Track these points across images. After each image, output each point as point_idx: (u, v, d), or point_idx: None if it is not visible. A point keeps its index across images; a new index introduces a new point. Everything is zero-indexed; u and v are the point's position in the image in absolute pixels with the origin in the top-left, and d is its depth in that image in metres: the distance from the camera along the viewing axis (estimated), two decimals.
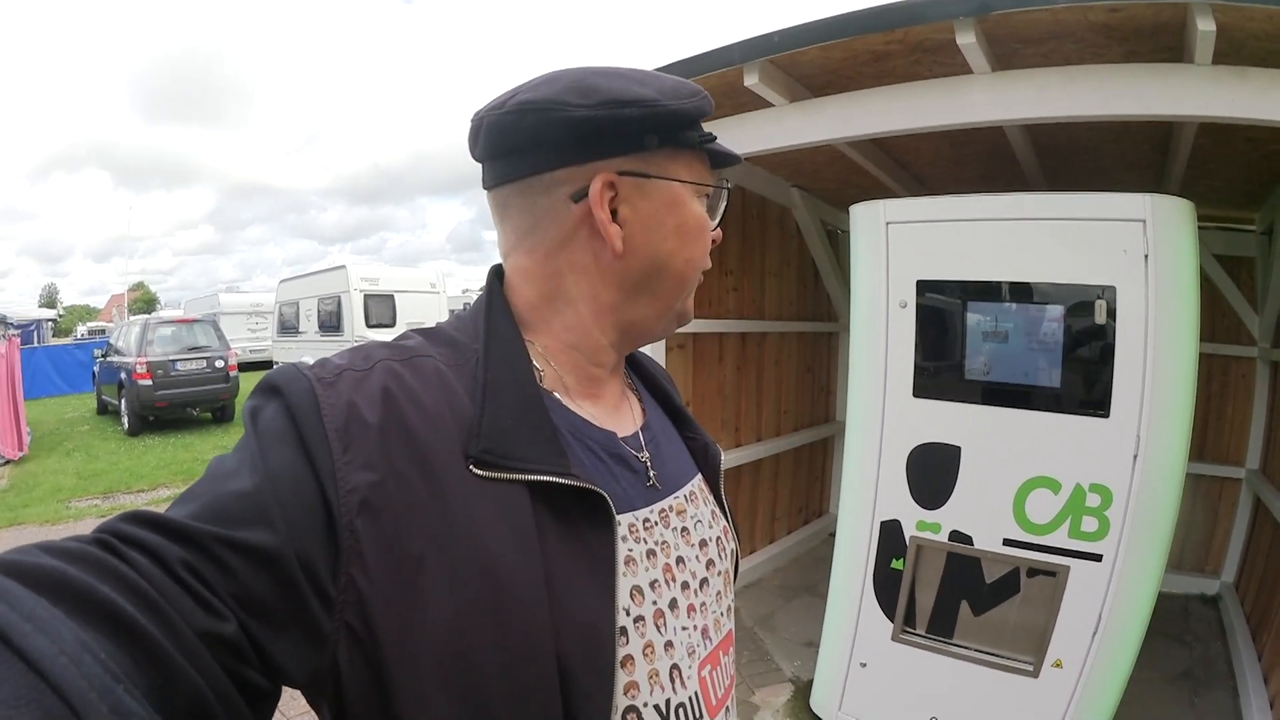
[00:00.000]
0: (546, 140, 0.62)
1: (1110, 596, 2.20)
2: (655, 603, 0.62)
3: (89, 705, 0.31)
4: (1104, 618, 2.21)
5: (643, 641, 0.60)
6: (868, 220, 2.57)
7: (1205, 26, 1.86)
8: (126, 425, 9.81)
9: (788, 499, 4.68)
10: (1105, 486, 2.19)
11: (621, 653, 0.57)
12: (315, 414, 0.52)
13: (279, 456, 0.50)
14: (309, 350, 14.43)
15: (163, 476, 7.44)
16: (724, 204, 0.72)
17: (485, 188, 0.68)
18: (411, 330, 0.66)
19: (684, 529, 0.69)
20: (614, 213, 0.63)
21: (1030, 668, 2.33)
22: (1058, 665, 2.29)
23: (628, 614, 0.59)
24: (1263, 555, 3.53)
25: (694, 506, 0.72)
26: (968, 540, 2.41)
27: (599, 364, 0.69)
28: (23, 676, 0.30)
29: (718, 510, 0.77)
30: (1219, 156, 3.06)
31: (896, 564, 2.53)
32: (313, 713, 0.55)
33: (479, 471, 0.54)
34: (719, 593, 0.71)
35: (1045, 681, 2.31)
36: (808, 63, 2.47)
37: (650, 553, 0.64)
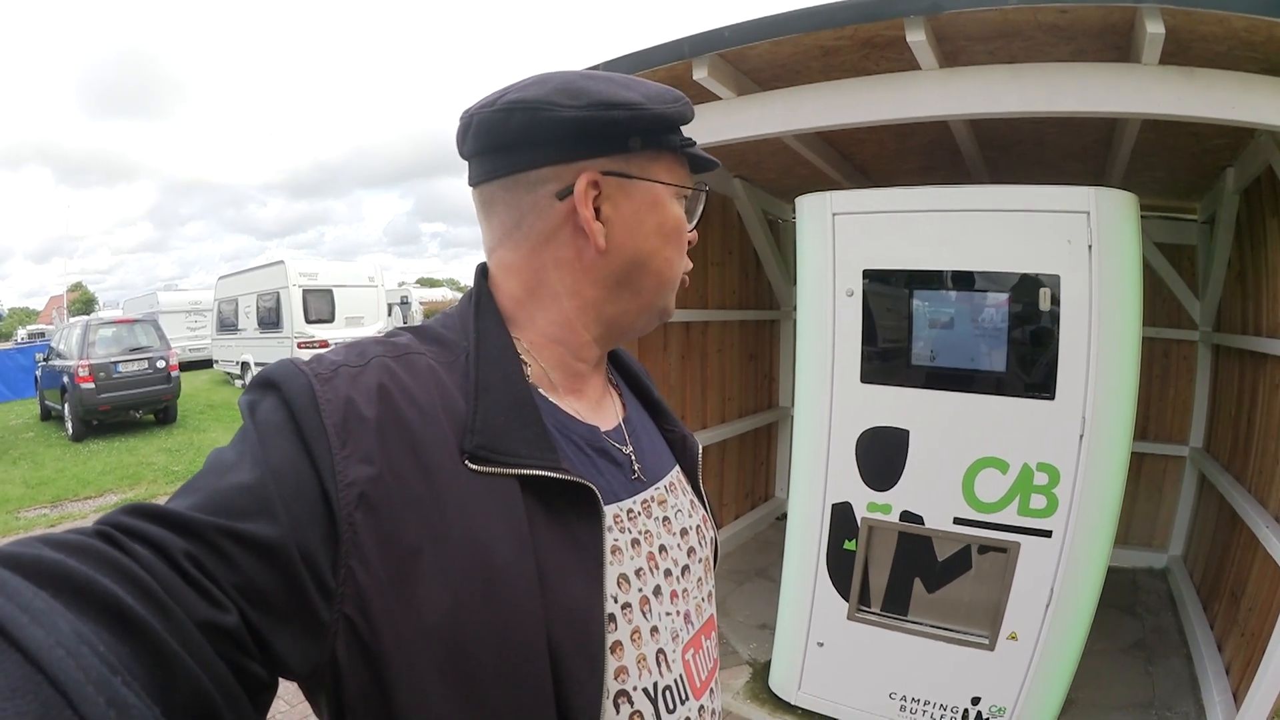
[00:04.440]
0: (534, 139, 0.64)
1: (1061, 571, 2.29)
2: (640, 590, 0.64)
3: (85, 697, 0.31)
4: (1056, 591, 2.30)
5: (630, 627, 0.62)
6: (815, 211, 2.61)
7: (1154, 29, 1.91)
8: (71, 430, 9.52)
9: (734, 484, 4.75)
10: (1052, 465, 2.28)
11: (610, 639, 0.59)
12: (314, 408, 0.53)
13: (279, 450, 0.51)
14: (249, 348, 14.25)
15: (109, 482, 7.27)
16: (701, 206, 0.74)
17: (471, 184, 0.70)
18: (400, 328, 0.67)
19: (665, 518, 0.71)
20: (597, 211, 0.65)
21: (986, 641, 2.41)
22: (1013, 638, 2.38)
23: (615, 601, 0.61)
24: (1210, 528, 3.67)
25: (674, 496, 0.75)
26: (918, 520, 2.48)
27: (582, 359, 0.70)
28: (19, 668, 0.30)
29: (696, 499, 0.80)
30: (1162, 150, 3.16)
31: (849, 545, 2.59)
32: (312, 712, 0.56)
33: (474, 466, 0.56)
34: (700, 579, 0.74)
35: (1001, 654, 2.40)
36: (756, 57, 2.49)
37: (635, 542, 0.66)
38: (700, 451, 0.85)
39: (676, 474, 0.78)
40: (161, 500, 0.47)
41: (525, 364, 0.66)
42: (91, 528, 0.42)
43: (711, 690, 0.71)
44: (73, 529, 0.41)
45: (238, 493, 0.48)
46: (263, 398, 0.55)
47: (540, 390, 0.67)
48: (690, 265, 0.74)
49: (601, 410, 0.73)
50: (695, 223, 0.74)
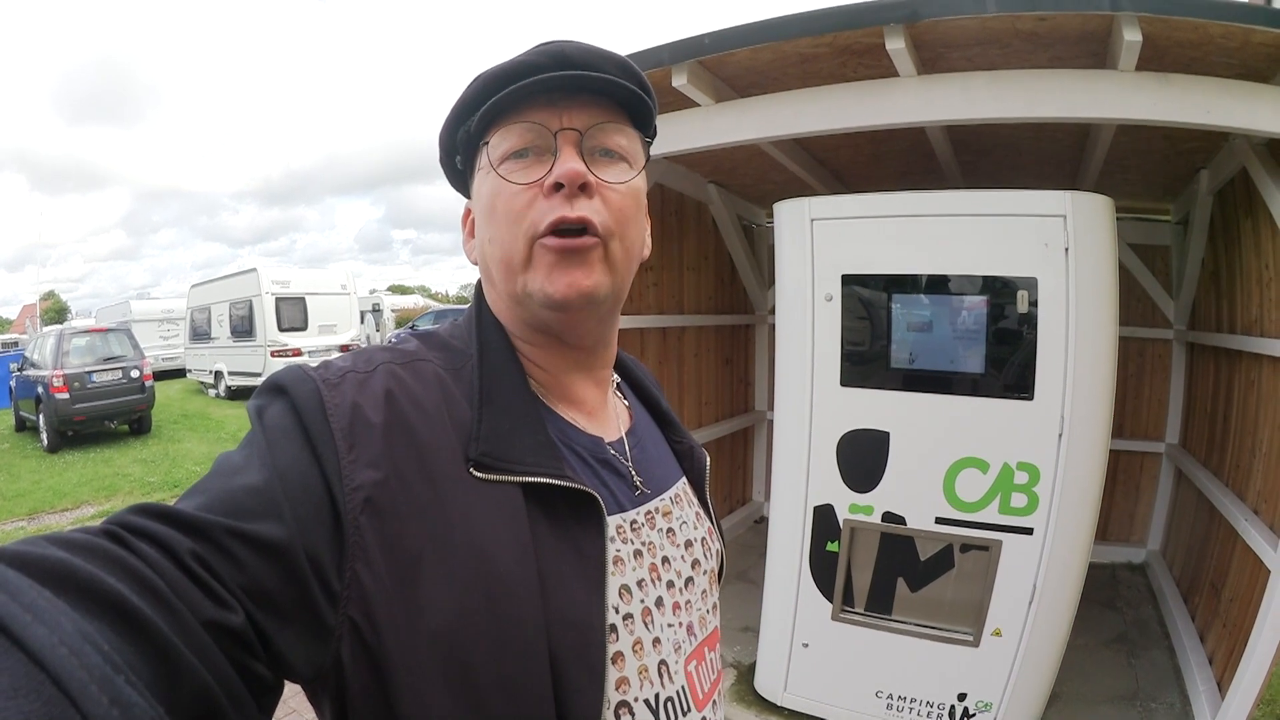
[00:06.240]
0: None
1: (1043, 567, 2.33)
2: (643, 601, 0.64)
3: (88, 696, 0.31)
4: (1039, 587, 2.34)
5: (632, 638, 0.61)
6: (793, 217, 2.63)
7: (1131, 36, 1.94)
8: (46, 442, 9.37)
9: (712, 488, 4.76)
10: (1032, 464, 2.31)
11: (612, 649, 0.59)
12: (321, 413, 0.53)
13: (286, 453, 0.51)
14: (222, 356, 14.19)
15: (85, 494, 7.18)
16: (513, 139, 0.62)
17: None
18: (409, 334, 0.68)
19: (670, 530, 0.71)
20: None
21: (970, 638, 2.44)
22: (997, 634, 2.41)
23: (617, 612, 0.61)
24: (1188, 522, 3.73)
25: (679, 508, 0.74)
26: (900, 520, 2.51)
27: (545, 368, 0.69)
28: (22, 667, 0.30)
29: (702, 512, 0.80)
30: (1137, 153, 3.21)
31: (832, 546, 2.62)
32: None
33: (478, 474, 0.56)
34: (704, 591, 0.73)
35: (986, 651, 2.43)
36: (735, 64, 2.50)
37: (637, 553, 0.65)
38: (708, 463, 0.85)
39: (682, 486, 0.78)
40: None
41: (529, 374, 0.67)
42: (98, 526, 0.42)
43: (714, 702, 0.71)
44: (79, 528, 0.41)
45: (245, 494, 0.48)
46: (271, 402, 0.56)
47: (544, 400, 0.67)
48: (554, 214, 0.60)
49: (604, 420, 0.72)
50: (516, 152, 0.63)
